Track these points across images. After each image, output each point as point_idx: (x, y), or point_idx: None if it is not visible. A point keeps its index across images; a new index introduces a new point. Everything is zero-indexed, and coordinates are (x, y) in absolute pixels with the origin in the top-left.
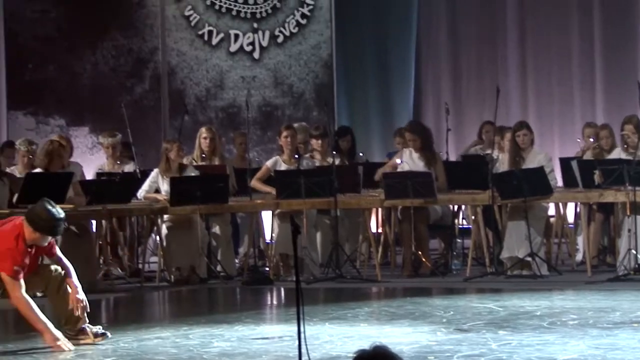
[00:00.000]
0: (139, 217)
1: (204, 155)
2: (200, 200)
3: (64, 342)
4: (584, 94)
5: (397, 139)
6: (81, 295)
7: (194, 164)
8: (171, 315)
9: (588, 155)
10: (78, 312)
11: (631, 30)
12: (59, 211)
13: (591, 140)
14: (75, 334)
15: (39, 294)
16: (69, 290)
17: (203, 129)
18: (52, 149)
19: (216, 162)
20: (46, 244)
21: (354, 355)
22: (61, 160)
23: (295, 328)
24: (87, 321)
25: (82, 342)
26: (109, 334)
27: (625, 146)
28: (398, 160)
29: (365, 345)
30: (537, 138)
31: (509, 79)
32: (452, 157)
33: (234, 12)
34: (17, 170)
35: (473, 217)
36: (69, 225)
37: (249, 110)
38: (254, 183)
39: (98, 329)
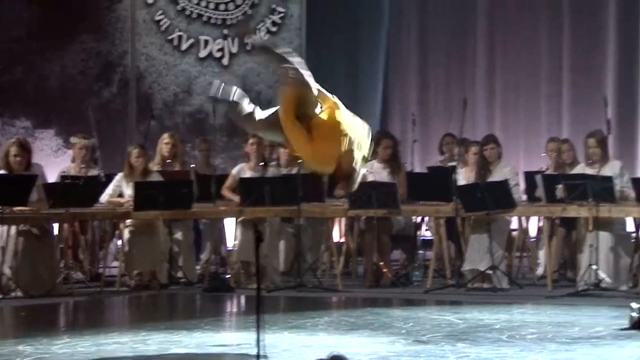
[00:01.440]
0: (101, 222)
1: (169, 161)
2: (163, 205)
3: None
4: (551, 109)
5: None
6: None
7: (155, 169)
8: (130, 321)
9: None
10: None
11: (599, 47)
12: None
13: (554, 154)
14: None
15: None
16: None
17: (165, 135)
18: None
19: (177, 168)
20: None
21: None
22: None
23: (255, 336)
24: None
25: None
26: None
27: (590, 161)
28: (363, 170)
29: (324, 354)
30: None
31: (476, 92)
32: (418, 169)
33: (204, 18)
34: None
35: (436, 229)
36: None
37: (215, 116)
38: (224, 192)
39: None
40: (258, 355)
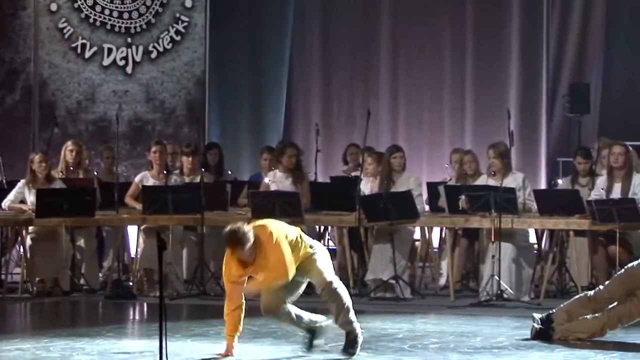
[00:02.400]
0: (3, 228)
1: (72, 168)
2: (66, 212)
3: None
4: (454, 121)
5: (265, 156)
6: None
7: (59, 176)
8: (32, 327)
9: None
10: None
11: (501, 62)
12: None
13: (457, 165)
14: None
15: None
16: None
17: (69, 142)
18: None
19: (80, 175)
20: None
21: None
22: None
23: (157, 343)
24: None
25: None
26: None
27: (493, 173)
28: (266, 180)
29: None
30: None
31: (380, 104)
32: (321, 178)
33: (108, 26)
34: None
35: (339, 239)
36: None
37: (119, 124)
38: (127, 200)
39: None
40: None
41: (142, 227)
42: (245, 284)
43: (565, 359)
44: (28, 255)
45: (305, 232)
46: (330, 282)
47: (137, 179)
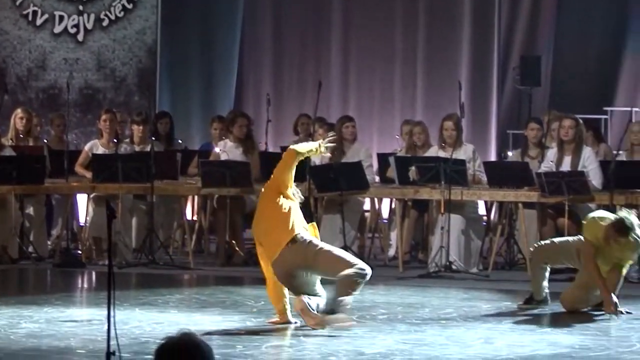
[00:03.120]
0: None
1: (21, 136)
2: (15, 180)
3: None
4: (405, 92)
5: (215, 125)
6: None
7: (8, 144)
8: None
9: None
10: None
11: (453, 32)
12: None
13: (408, 136)
14: None
15: None
16: None
17: (19, 110)
18: None
19: (30, 143)
20: None
21: (160, 342)
22: None
23: (105, 312)
24: None
25: None
26: None
27: (443, 144)
28: (217, 149)
29: (173, 332)
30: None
31: (331, 74)
32: (271, 148)
33: None
34: None
35: None
36: None
37: (70, 92)
38: (77, 168)
39: None
40: (109, 332)
41: (91, 196)
42: None
43: (512, 330)
44: None
45: (255, 201)
46: None
47: (87, 147)
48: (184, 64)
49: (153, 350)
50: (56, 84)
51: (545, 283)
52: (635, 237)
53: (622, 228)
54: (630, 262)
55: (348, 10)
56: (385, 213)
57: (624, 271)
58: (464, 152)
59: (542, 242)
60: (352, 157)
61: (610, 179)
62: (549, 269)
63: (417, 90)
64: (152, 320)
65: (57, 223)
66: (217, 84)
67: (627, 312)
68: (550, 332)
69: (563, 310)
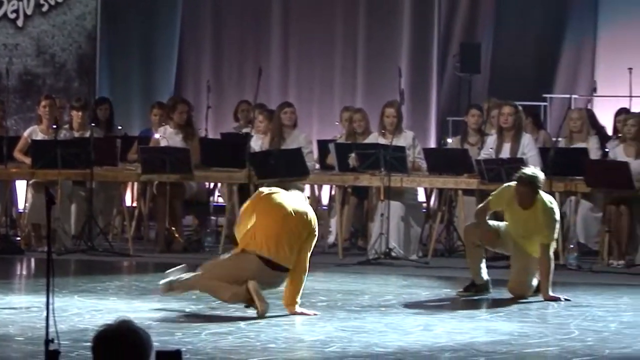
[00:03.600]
0: None
1: None
2: None
3: None
4: (345, 79)
5: (155, 111)
6: None
7: None
8: None
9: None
10: None
11: (394, 19)
12: None
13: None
14: None
15: None
16: None
17: None
18: None
19: None
20: None
21: (99, 329)
22: None
23: (44, 299)
24: None
25: None
26: None
27: (383, 131)
28: (157, 135)
29: (112, 319)
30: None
31: (271, 61)
32: (211, 135)
33: None
34: None
35: (228, 195)
36: None
37: (9, 77)
38: (16, 154)
39: None
40: (47, 319)
41: (30, 182)
42: None
43: (451, 317)
44: None
45: (194, 188)
46: None
47: (26, 133)
48: (124, 49)
49: (92, 338)
50: None
51: (483, 265)
52: (548, 201)
53: (521, 177)
54: (551, 234)
55: None
56: (325, 200)
57: (551, 251)
58: (404, 139)
59: (474, 222)
60: (292, 143)
61: (549, 166)
62: (483, 250)
63: (357, 77)
64: (91, 308)
65: None
66: (157, 70)
67: (566, 300)
68: (489, 319)
69: (502, 297)
